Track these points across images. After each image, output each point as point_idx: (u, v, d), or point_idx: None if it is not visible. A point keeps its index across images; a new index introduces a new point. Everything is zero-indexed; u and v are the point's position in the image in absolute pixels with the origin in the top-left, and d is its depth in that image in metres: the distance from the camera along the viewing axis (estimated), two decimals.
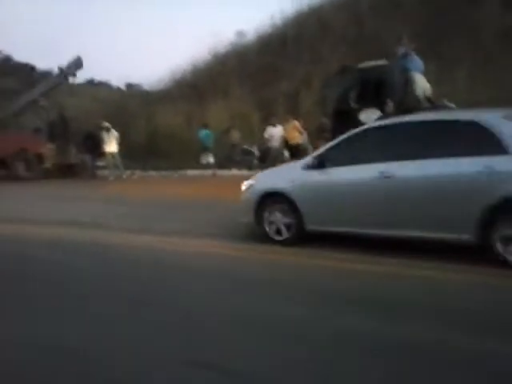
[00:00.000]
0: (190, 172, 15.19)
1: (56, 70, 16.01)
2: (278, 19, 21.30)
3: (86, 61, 15.82)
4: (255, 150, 15.29)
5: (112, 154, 14.52)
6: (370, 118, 8.48)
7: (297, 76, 17.81)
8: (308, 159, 5.86)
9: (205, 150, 15.40)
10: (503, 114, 4.91)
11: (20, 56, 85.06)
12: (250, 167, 14.36)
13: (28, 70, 77.00)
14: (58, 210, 9.37)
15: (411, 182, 4.94)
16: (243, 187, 6.33)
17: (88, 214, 8.66)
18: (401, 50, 8.93)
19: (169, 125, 18.59)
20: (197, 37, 32.45)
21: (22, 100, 17.22)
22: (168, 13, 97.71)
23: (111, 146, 14.45)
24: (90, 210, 9.11)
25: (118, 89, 54.25)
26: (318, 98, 15.00)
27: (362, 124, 8.60)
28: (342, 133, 5.72)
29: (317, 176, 5.59)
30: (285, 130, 11.88)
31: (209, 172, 14.49)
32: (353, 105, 8.82)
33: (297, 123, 11.79)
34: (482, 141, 4.60)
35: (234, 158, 15.67)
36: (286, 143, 12.52)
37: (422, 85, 8.81)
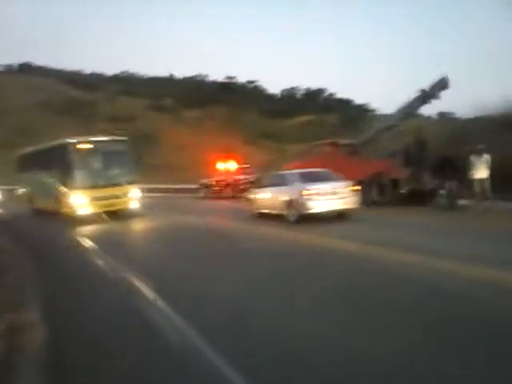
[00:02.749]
0: None
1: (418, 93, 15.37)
2: None
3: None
4: None
5: (481, 181, 12.94)
6: None
7: None
8: None
9: None
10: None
11: (342, 92, 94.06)
12: None
13: (346, 105, 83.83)
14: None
15: None
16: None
17: None
18: None
19: None
20: None
21: (380, 125, 17.49)
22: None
23: (481, 171, 12.89)
24: None
25: (428, 118, 52.93)
26: None
27: None
28: None
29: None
30: None
31: None
32: None
33: None
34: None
35: None
36: None
37: None
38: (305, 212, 12.16)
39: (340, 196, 12.31)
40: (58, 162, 16.27)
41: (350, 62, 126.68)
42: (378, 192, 15.79)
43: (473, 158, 13.05)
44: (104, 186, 15.69)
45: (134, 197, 16.51)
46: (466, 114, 21.73)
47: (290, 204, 12.57)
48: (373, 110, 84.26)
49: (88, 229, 14.09)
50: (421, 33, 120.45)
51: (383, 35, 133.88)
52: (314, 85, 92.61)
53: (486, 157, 12.95)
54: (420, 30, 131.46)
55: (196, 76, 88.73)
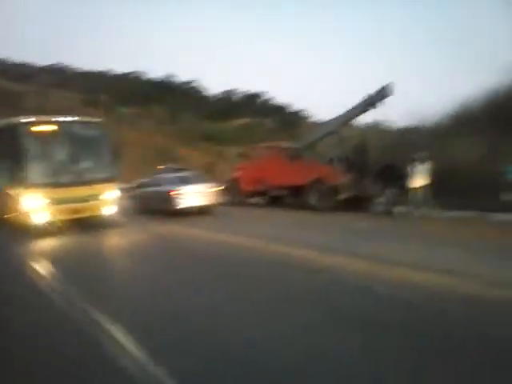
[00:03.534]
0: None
1: (362, 99, 15.49)
2: None
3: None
4: None
5: (420, 189, 13.22)
6: None
7: None
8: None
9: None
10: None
11: (279, 98, 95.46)
12: None
13: (283, 110, 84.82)
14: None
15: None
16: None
17: None
18: None
19: (463, 160, 16.57)
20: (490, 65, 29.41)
21: (321, 130, 17.51)
22: None
23: (420, 179, 13.19)
24: None
25: (364, 125, 54.96)
26: None
27: None
28: None
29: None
30: None
31: None
32: None
33: None
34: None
35: None
36: None
37: None
38: (174, 207, 15.12)
39: (203, 195, 15.59)
40: (5, 150, 11.96)
41: (287, 68, 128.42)
42: (318, 197, 15.76)
43: (413, 165, 13.33)
44: (69, 185, 11.69)
45: (110, 199, 12.56)
46: (405, 122, 22.37)
47: (164, 201, 15.37)
48: (309, 116, 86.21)
49: (45, 245, 10.41)
50: (364, 41, 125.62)
51: (322, 42, 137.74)
52: (251, 88, 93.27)
53: (426, 165, 13.28)
54: (363, 38, 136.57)
55: (133, 73, 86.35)
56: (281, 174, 17.04)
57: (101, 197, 12.29)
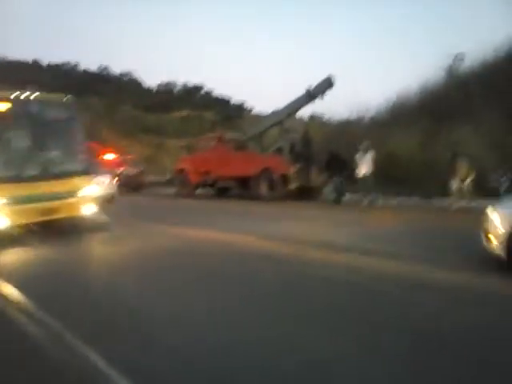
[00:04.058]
0: None
1: (304, 92, 15.82)
2: None
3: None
4: None
5: (365, 177, 13.71)
6: None
7: None
8: None
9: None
10: None
11: (219, 90, 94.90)
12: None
13: (224, 103, 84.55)
14: None
15: None
16: None
17: None
18: None
19: (402, 149, 17.33)
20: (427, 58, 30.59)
21: (266, 121, 17.67)
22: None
23: (365, 168, 13.66)
24: None
25: (301, 118, 55.70)
26: None
27: None
28: None
29: None
30: None
31: None
32: None
33: None
34: None
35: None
36: None
37: None
38: None
39: (104, 185, 15.92)
40: None
41: (228, 60, 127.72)
42: (268, 187, 15.94)
43: (358, 155, 13.79)
44: (36, 179, 9.09)
45: (88, 196, 9.98)
46: (347, 114, 22.99)
47: None
48: (250, 109, 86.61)
49: (8, 257, 7.90)
50: (305, 35, 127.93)
51: (262, 33, 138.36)
52: (191, 80, 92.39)
53: (370, 154, 13.76)
54: (305, 32, 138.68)
55: (66, 64, 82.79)
56: (228, 165, 17.08)
57: (76, 193, 9.72)
